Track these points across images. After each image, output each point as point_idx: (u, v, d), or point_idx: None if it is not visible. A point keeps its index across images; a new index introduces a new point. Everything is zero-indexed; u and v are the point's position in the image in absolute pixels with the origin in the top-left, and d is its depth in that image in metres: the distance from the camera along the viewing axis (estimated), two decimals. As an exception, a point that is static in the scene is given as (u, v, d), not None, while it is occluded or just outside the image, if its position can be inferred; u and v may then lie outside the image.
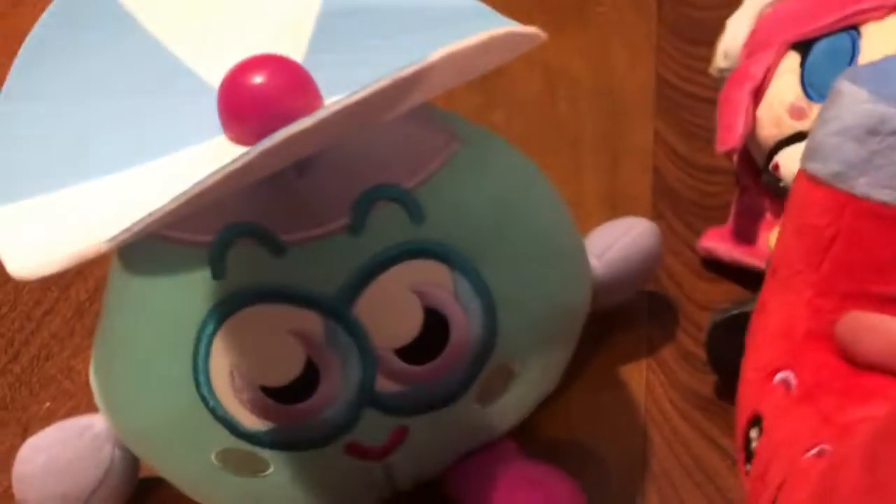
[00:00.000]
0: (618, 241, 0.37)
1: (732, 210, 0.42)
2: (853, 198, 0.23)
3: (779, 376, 0.25)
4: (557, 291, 0.32)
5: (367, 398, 0.29)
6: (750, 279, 0.40)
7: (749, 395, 0.27)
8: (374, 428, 0.29)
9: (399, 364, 0.29)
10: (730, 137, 0.37)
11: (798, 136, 0.36)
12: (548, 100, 0.50)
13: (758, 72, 0.38)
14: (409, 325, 0.28)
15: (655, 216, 0.44)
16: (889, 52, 0.35)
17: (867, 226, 0.24)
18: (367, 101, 0.21)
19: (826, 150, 0.24)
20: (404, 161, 0.29)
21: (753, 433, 0.26)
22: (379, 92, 0.21)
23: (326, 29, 0.31)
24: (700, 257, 0.42)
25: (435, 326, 0.29)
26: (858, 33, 0.36)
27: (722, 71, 0.41)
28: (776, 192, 0.36)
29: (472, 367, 0.30)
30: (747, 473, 0.26)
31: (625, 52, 0.53)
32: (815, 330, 0.25)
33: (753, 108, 0.38)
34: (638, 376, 0.39)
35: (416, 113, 0.30)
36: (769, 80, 0.38)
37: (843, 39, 0.36)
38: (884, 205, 0.23)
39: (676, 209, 0.44)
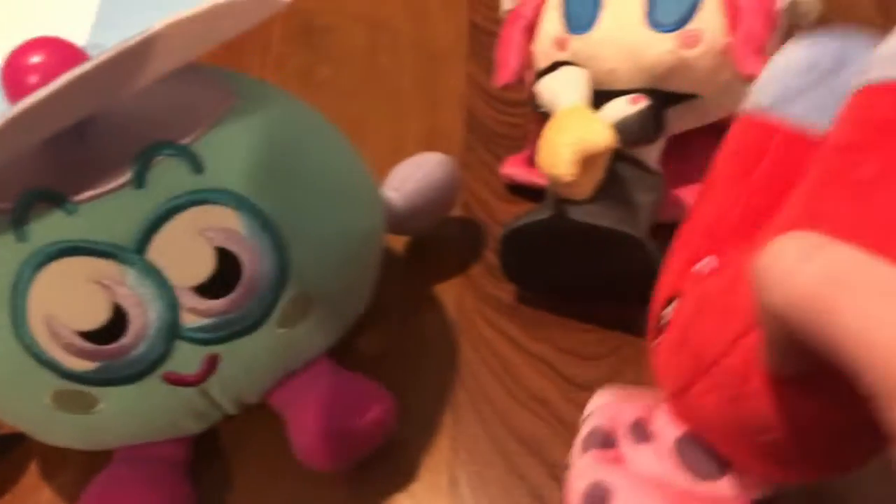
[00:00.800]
0: (413, 174, 0.41)
1: (529, 137, 0.47)
2: (784, 124, 0.28)
3: (701, 262, 0.28)
4: (346, 223, 0.36)
5: (174, 333, 0.32)
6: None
7: (669, 280, 0.30)
8: (186, 358, 0.33)
9: (198, 300, 0.33)
10: (504, 73, 0.42)
11: (554, 66, 0.40)
12: (371, 52, 0.54)
13: (528, 11, 0.42)
14: (201, 265, 0.32)
15: (467, 149, 0.49)
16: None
17: (793, 147, 0.28)
18: (98, 71, 0.25)
19: (768, 86, 0.28)
20: (181, 119, 0.32)
21: (668, 309, 0.29)
22: (108, 62, 0.25)
23: (111, 7, 0.34)
24: (504, 183, 0.47)
25: (228, 264, 0.33)
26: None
27: (507, 12, 0.45)
28: (543, 117, 0.41)
29: (269, 297, 0.34)
30: (655, 348, 0.29)
31: (440, 2, 0.56)
32: (740, 228, 0.28)
33: (529, 45, 0.43)
34: (450, 292, 0.43)
35: (193, 76, 0.34)
36: (540, 18, 0.42)
37: None
38: (805, 130, 0.27)
39: (485, 142, 0.49)
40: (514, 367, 0.40)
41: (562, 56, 0.41)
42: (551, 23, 0.42)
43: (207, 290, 0.33)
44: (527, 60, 0.42)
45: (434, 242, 0.45)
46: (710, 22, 0.38)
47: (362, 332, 0.41)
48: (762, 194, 0.28)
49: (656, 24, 0.39)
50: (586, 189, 0.37)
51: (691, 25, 0.38)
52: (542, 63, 0.42)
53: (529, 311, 0.42)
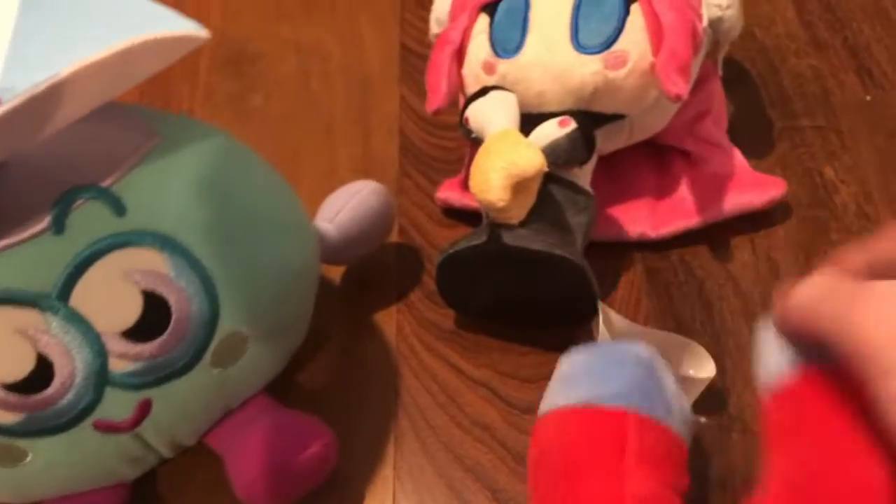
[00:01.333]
0: (346, 204, 0.41)
1: (464, 161, 0.47)
2: (629, 411, 0.31)
3: None
4: (278, 259, 0.35)
5: (103, 379, 0.32)
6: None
7: None
8: (117, 404, 0.32)
9: (127, 345, 0.32)
10: (435, 98, 0.41)
11: (483, 91, 0.40)
12: (302, 79, 0.54)
13: (456, 36, 0.42)
14: (128, 309, 0.31)
15: (402, 175, 0.49)
16: (553, 7, 0.40)
17: (647, 428, 0.31)
18: (8, 118, 0.24)
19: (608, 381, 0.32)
20: (101, 162, 0.31)
21: None
22: (18, 109, 0.24)
23: (21, 48, 0.33)
24: (440, 207, 0.47)
25: (156, 306, 0.32)
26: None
27: (436, 37, 0.45)
28: (474, 142, 0.41)
29: (201, 337, 0.33)
30: None
31: (371, 25, 0.56)
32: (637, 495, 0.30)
33: (459, 69, 0.43)
34: (390, 320, 0.43)
35: (114, 115, 0.33)
36: (468, 42, 0.42)
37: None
38: (657, 419, 0.31)
39: (420, 166, 0.49)
40: (455, 393, 0.40)
41: (490, 80, 0.41)
42: (479, 47, 0.42)
43: (136, 334, 0.32)
44: (457, 85, 0.43)
45: (371, 270, 0.45)
46: (635, 43, 0.39)
47: (301, 365, 0.41)
48: (640, 465, 0.30)
49: (582, 46, 0.39)
50: (519, 213, 0.37)
51: (617, 47, 0.39)
52: (472, 87, 0.42)
53: (469, 335, 0.42)
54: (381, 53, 0.55)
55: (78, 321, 0.31)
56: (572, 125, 0.38)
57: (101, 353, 0.31)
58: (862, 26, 0.53)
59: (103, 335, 0.31)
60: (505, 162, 0.36)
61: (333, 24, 0.56)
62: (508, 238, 0.37)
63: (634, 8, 0.39)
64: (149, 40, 0.28)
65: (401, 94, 0.52)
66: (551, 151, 0.38)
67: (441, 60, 0.42)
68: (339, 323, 0.43)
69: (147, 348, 0.32)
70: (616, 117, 0.40)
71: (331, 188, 0.42)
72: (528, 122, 0.39)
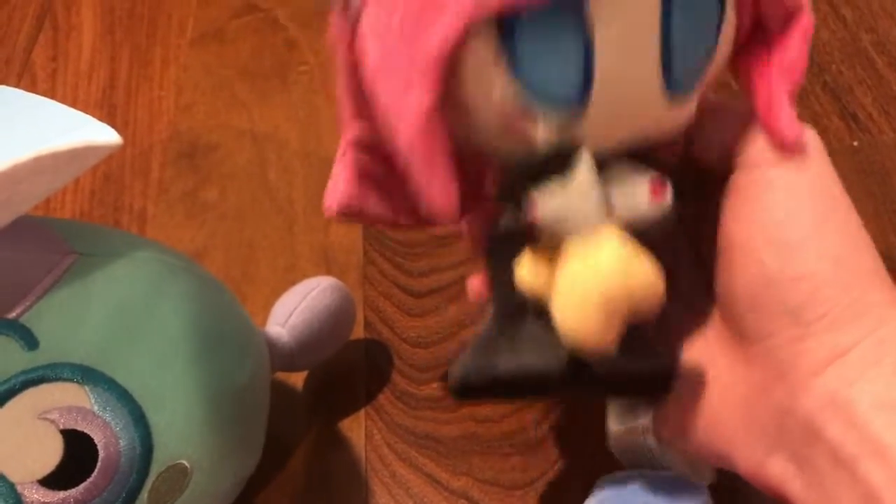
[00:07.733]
0: (298, 305, 0.37)
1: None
2: None
3: None
4: (216, 379, 0.32)
5: (23, 537, 0.28)
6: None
7: None
8: (41, 563, 0.29)
9: (48, 494, 0.28)
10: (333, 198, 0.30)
11: (545, 164, 0.27)
12: (259, 169, 0.51)
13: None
14: (46, 454, 0.28)
15: (367, 263, 0.45)
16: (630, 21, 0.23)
17: None
18: None
19: None
20: (6, 289, 0.28)
21: None
22: None
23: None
24: (410, 295, 0.43)
25: (79, 446, 0.28)
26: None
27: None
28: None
29: (134, 476, 0.29)
30: None
31: (329, 107, 0.54)
32: None
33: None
34: (358, 428, 0.39)
35: (20, 233, 0.30)
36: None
37: None
38: None
39: (384, 252, 0.45)
40: (433, 507, 0.36)
41: (530, 132, 0.23)
42: (484, 76, 0.23)
43: (57, 480, 0.28)
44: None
45: (336, 371, 0.41)
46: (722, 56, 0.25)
47: (258, 488, 0.37)
48: None
49: (677, 84, 0.24)
50: (612, 343, 0.24)
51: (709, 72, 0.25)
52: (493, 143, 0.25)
53: (444, 439, 0.38)
54: (339, 134, 0.52)
55: (-13, 474, 0.27)
56: (667, 195, 0.24)
57: (17, 507, 0.28)
58: (841, 68, 0.50)
59: (19, 486, 0.28)
60: (616, 294, 0.23)
61: (289, 109, 0.54)
62: (602, 369, 0.25)
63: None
64: (43, 155, 0.25)
65: (362, 177, 0.49)
66: (638, 233, 0.24)
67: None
68: (302, 434, 0.39)
69: (71, 495, 0.28)
70: None
71: (292, 283, 0.39)
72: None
